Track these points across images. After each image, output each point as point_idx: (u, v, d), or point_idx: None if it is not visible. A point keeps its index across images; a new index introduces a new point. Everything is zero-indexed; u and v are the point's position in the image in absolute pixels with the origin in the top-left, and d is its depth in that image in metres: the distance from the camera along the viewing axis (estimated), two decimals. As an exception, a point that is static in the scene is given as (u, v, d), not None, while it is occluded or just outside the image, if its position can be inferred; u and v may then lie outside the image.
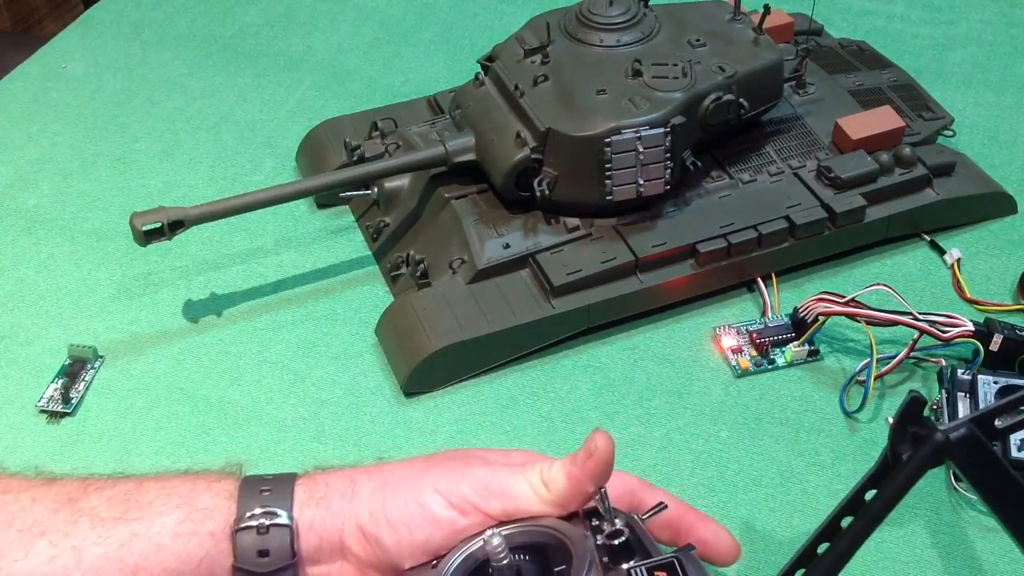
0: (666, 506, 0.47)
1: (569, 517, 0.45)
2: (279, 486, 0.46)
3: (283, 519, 0.45)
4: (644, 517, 0.46)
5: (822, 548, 0.45)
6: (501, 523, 0.45)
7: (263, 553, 0.44)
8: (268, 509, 0.45)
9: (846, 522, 0.44)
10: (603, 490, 0.44)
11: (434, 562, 0.45)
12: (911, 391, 0.42)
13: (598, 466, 0.44)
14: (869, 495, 0.43)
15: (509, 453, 0.50)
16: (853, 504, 0.44)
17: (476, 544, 0.44)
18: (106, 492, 0.45)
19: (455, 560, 0.44)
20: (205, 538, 0.44)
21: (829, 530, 0.45)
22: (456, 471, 0.46)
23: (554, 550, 0.43)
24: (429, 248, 0.72)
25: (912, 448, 0.42)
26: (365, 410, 0.67)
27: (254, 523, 0.44)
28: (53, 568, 0.42)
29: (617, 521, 0.43)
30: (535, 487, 0.45)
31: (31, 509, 0.44)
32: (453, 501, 0.45)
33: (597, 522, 0.44)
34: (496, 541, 0.42)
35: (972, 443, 0.42)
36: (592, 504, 0.45)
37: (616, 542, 0.42)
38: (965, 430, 0.42)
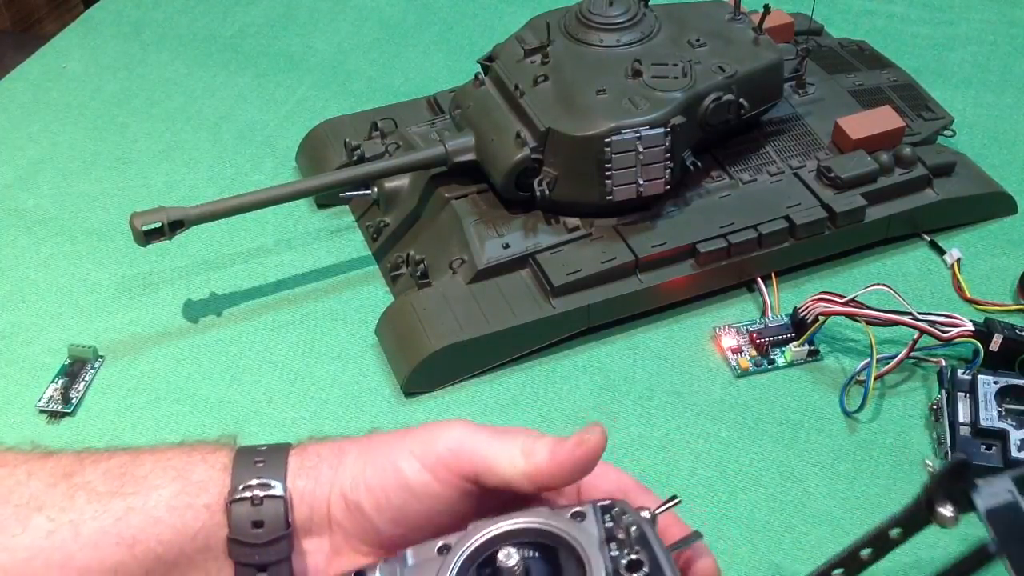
0: (701, 536, 0.46)
1: (582, 520, 0.44)
2: (272, 457, 0.46)
3: (277, 490, 0.45)
4: (657, 512, 0.45)
5: (837, 573, 0.44)
6: (503, 512, 0.44)
7: (258, 524, 0.44)
8: (262, 480, 0.45)
9: (866, 553, 0.44)
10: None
11: (439, 544, 0.44)
12: (959, 456, 0.40)
13: (585, 454, 0.43)
14: (894, 532, 0.43)
15: (507, 428, 0.50)
16: (876, 539, 0.43)
17: (487, 534, 0.43)
18: (102, 465, 0.45)
19: (460, 556, 0.43)
20: (200, 511, 0.44)
21: (848, 558, 0.44)
22: (435, 431, 0.45)
23: (566, 557, 0.43)
24: (429, 248, 0.72)
25: (946, 498, 0.41)
26: (365, 410, 0.67)
27: (248, 495, 0.44)
28: (52, 542, 0.43)
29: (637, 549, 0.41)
30: (511, 455, 0.44)
31: (28, 483, 0.44)
32: (427, 462, 0.44)
33: (611, 526, 0.43)
34: (512, 562, 0.41)
35: (1009, 511, 0.39)
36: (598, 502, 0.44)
37: None
38: (1009, 497, 0.39)
